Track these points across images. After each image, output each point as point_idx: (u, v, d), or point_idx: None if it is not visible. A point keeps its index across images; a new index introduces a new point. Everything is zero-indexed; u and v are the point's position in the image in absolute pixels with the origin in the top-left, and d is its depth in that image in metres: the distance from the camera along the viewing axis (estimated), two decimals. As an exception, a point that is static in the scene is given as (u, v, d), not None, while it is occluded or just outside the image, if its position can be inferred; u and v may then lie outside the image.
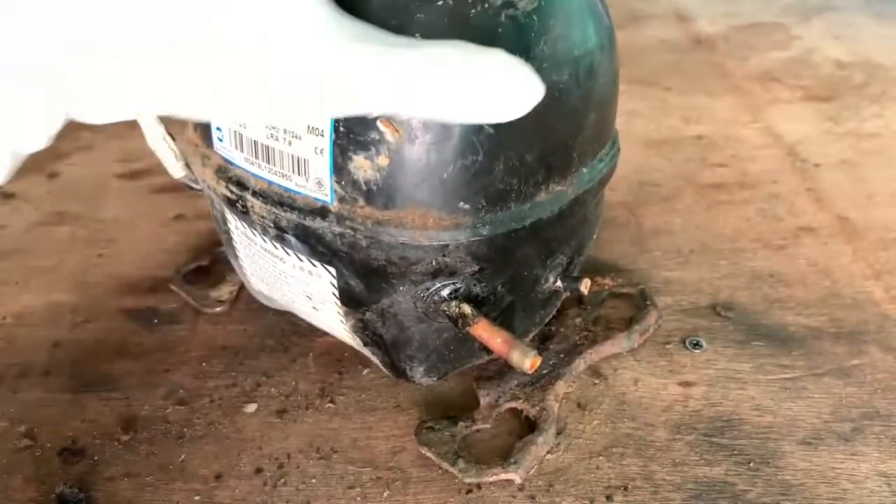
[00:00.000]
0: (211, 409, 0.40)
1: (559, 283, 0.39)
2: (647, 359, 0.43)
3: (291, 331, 0.45)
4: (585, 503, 0.35)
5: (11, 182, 0.65)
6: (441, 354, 0.38)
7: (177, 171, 0.43)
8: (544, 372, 0.41)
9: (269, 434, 0.39)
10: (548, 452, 0.37)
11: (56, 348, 0.45)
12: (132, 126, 0.70)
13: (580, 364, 0.42)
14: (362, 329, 0.37)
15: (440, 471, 0.37)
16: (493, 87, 0.26)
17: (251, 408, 0.40)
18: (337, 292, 0.35)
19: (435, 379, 0.39)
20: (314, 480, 0.36)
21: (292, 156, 0.32)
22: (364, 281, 0.34)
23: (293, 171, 0.32)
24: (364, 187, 0.31)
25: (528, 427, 0.38)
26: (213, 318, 0.46)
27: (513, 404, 0.39)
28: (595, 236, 0.42)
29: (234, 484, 0.36)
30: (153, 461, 0.37)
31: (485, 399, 0.39)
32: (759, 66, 0.82)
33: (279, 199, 0.33)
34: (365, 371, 0.42)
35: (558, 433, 0.38)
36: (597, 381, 0.42)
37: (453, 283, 0.34)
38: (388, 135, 0.30)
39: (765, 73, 0.80)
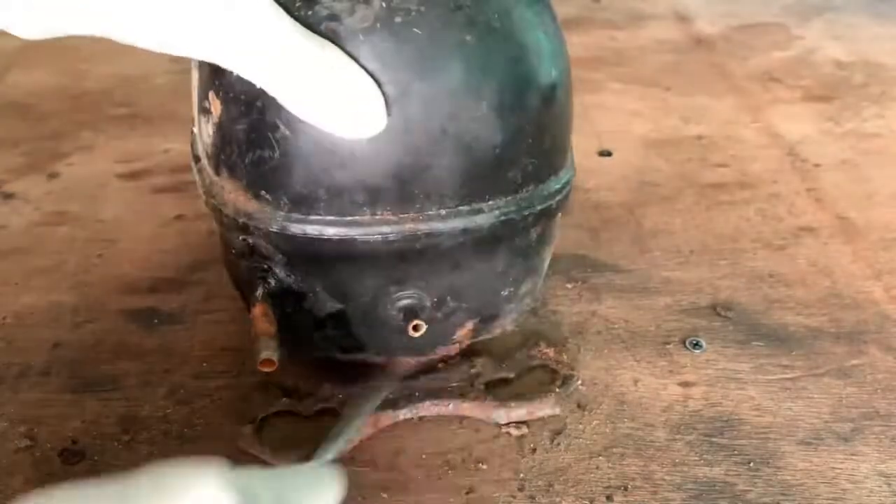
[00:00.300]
0: (211, 410, 0.40)
1: (404, 315, 0.35)
2: (646, 359, 0.43)
3: (291, 331, 0.45)
4: (585, 503, 0.35)
5: (11, 182, 0.66)
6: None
7: None
8: (388, 397, 0.38)
9: (269, 434, 0.39)
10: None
11: (56, 348, 0.45)
12: (133, 126, 0.70)
13: (430, 408, 0.39)
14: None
15: (441, 472, 0.37)
16: (341, 100, 0.28)
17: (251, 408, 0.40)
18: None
19: (285, 355, 0.35)
20: (314, 480, 0.36)
21: (192, 106, 0.35)
22: (218, 231, 0.37)
23: (193, 123, 0.36)
24: (205, 150, 0.34)
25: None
26: (213, 319, 0.46)
27: (333, 405, 0.39)
28: (505, 292, 0.37)
29: (234, 484, 0.36)
30: (153, 461, 0.37)
31: (322, 391, 0.40)
32: (759, 66, 0.82)
33: (192, 140, 0.37)
34: (365, 371, 0.42)
35: (558, 433, 0.38)
36: (596, 382, 0.42)
37: (267, 264, 0.34)
38: (213, 107, 0.32)
39: (765, 73, 0.80)
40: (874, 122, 0.70)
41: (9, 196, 0.60)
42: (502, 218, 0.33)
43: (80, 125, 0.71)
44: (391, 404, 0.39)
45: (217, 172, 0.34)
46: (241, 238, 0.34)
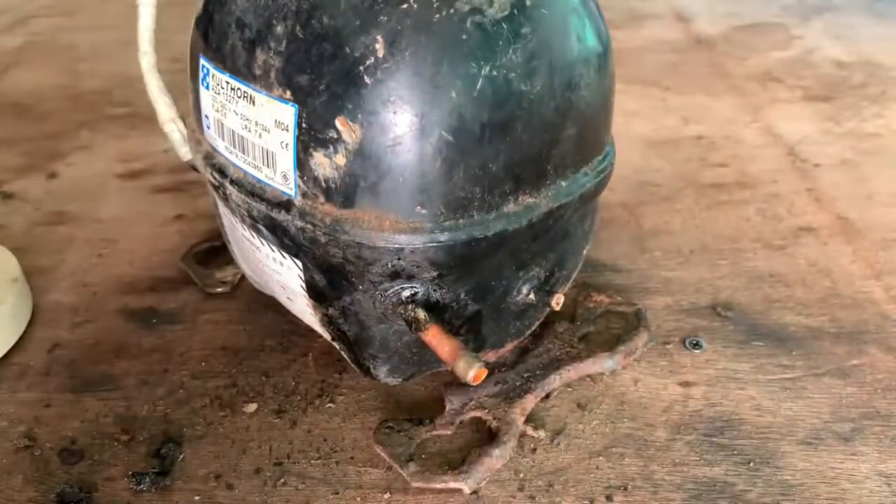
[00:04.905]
0: (211, 409, 0.40)
1: (532, 297, 0.37)
2: (647, 359, 0.43)
3: (291, 331, 0.45)
4: (585, 503, 0.35)
5: (11, 182, 0.66)
6: (403, 356, 0.37)
7: (184, 153, 0.44)
8: (516, 384, 0.40)
9: (268, 434, 0.39)
10: (504, 463, 0.36)
11: (56, 348, 0.45)
12: (132, 126, 0.70)
13: (555, 380, 0.40)
14: (328, 324, 0.37)
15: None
16: None
17: (251, 408, 0.40)
18: (304, 286, 0.36)
19: (400, 379, 0.39)
20: (314, 480, 0.36)
21: (263, 148, 0.33)
22: (326, 277, 0.35)
23: (263, 163, 0.33)
24: (323, 184, 0.31)
25: (490, 437, 0.37)
26: (212, 318, 0.46)
27: (477, 413, 0.38)
28: (584, 251, 0.41)
29: (234, 484, 0.36)
30: (153, 461, 0.37)
31: (450, 405, 0.39)
32: (759, 66, 0.82)
33: (251, 189, 0.34)
34: (365, 371, 0.42)
35: (558, 433, 0.38)
36: (596, 382, 0.42)
37: (412, 287, 0.34)
38: (345, 134, 0.30)
39: (765, 73, 0.80)
40: (874, 122, 0.70)
41: (8, 196, 0.60)
42: (595, 180, 0.36)
43: (80, 125, 0.71)
44: (524, 390, 0.39)
45: (347, 205, 0.32)
46: (385, 265, 0.33)
